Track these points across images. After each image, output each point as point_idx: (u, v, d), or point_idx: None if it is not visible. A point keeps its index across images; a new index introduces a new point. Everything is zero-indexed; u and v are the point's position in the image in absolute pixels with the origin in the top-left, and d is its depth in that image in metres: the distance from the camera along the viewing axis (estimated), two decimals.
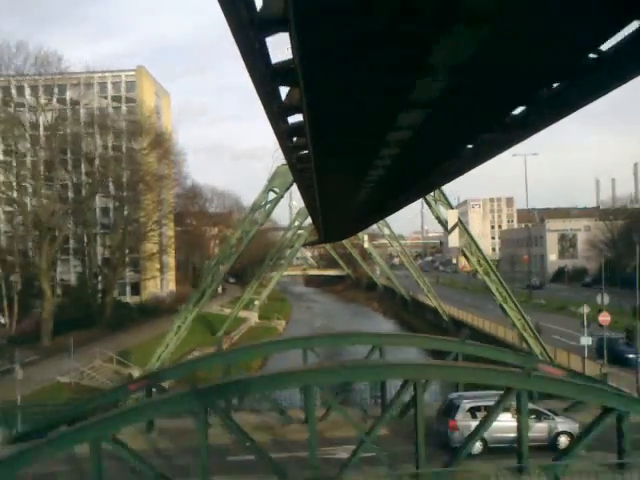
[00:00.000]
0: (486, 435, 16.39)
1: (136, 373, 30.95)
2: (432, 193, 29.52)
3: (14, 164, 48.98)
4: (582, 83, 7.55)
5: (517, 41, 5.94)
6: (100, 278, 56.53)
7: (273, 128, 10.07)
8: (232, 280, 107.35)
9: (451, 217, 27.96)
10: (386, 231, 67.42)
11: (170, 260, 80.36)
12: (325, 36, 5.50)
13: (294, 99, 8.09)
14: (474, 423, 16.19)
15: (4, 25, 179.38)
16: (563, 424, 17.12)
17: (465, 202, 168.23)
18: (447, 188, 33.15)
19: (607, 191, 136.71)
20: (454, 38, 5.47)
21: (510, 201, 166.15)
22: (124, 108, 74.41)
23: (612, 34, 6.08)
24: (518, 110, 9.40)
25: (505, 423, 16.02)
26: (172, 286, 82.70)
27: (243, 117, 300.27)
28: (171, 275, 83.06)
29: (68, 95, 72.12)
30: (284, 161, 24.40)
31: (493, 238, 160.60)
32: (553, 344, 31.34)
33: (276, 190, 33.40)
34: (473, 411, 16.96)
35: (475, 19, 5.13)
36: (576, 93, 7.98)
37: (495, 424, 15.85)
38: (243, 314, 67.47)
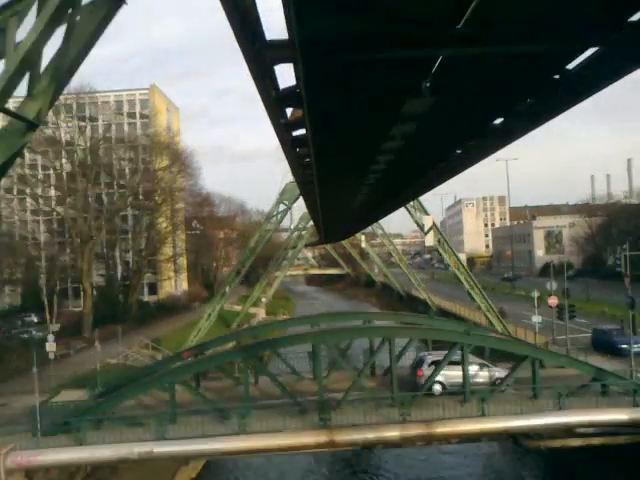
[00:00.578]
0: (444, 380, 23.06)
1: None
2: (412, 202, 34.24)
3: (52, 181, 55.69)
4: (549, 99, 8.71)
5: (492, 65, 6.87)
6: (124, 280, 63.30)
7: (279, 140, 11.09)
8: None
9: (427, 222, 34.66)
10: (379, 232, 73.88)
11: (183, 262, 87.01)
12: (326, 68, 6.29)
13: (298, 115, 9.09)
14: (431, 372, 22.89)
15: None
16: (500, 372, 23.75)
17: (459, 201, 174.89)
18: (443, 189, 38.89)
19: (603, 186, 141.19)
20: (441, 65, 6.47)
21: (502, 199, 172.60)
22: (139, 124, 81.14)
23: (572, 59, 7.07)
24: (498, 121, 10.87)
25: (458, 372, 22.63)
26: (185, 285, 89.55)
27: (243, 119, 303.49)
28: (184, 276, 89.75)
29: (87, 112, 78.85)
30: (292, 178, 29.83)
31: (487, 236, 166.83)
32: (516, 324, 37.90)
33: (286, 203, 41.51)
34: (434, 364, 23.57)
35: (467, 41, 5.99)
36: (544, 107, 9.17)
37: (451, 372, 22.59)
38: (252, 310, 74.15)
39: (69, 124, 69.90)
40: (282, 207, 41.36)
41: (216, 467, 26.12)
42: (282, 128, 9.56)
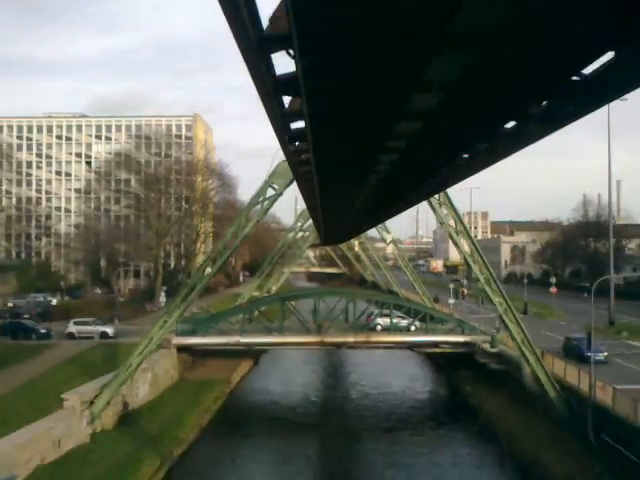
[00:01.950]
0: (382, 322, 44.59)
1: None
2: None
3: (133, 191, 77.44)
4: (565, 103, 8.29)
5: (503, 64, 6.42)
6: (174, 265, 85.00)
7: (277, 136, 10.52)
8: (247, 274, 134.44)
9: (388, 238, 56.14)
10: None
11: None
12: (326, 55, 5.92)
13: (296, 107, 8.56)
14: (379, 319, 44.54)
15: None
16: (409, 320, 45.12)
17: (447, 215, 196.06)
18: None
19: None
20: (445, 59, 5.91)
21: (485, 215, 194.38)
22: (184, 144, 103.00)
23: (591, 61, 6.60)
24: (510, 124, 9.98)
25: (388, 320, 44.13)
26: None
27: (251, 116, 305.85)
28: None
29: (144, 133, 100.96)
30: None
31: None
32: (442, 305, 59.16)
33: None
34: (380, 315, 45.18)
35: (463, 43, 5.54)
36: (560, 112, 8.71)
37: (385, 320, 44.22)
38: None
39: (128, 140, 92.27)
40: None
41: (259, 364, 48.05)
42: (278, 121, 9.09)
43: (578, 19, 5.15)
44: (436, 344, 41.81)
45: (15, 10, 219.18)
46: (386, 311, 45.31)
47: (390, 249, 54.16)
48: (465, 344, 40.44)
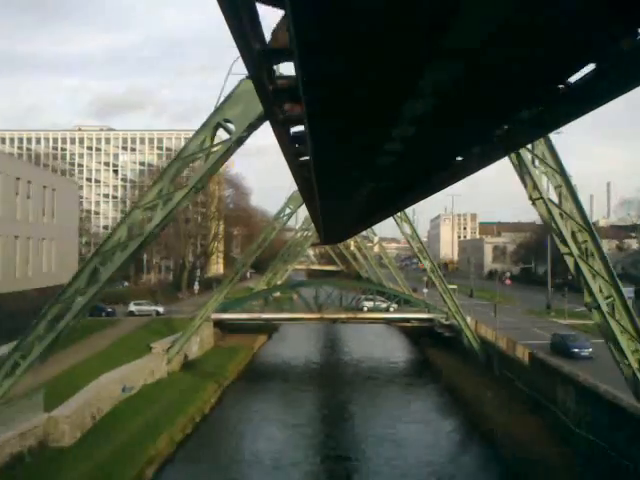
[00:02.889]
0: (367, 305, 58.32)
1: None
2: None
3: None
4: (552, 110, 8.69)
5: (491, 75, 6.74)
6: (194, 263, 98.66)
7: (276, 136, 10.66)
8: (252, 271, 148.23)
9: (375, 239, 69.63)
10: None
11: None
12: (326, 66, 6.14)
13: (296, 112, 8.60)
14: (365, 302, 58.30)
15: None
16: (388, 303, 58.77)
17: (438, 216, 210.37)
18: (434, 200, 73.37)
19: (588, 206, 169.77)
20: (437, 70, 6.26)
21: (474, 216, 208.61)
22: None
23: (575, 72, 6.99)
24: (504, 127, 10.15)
25: (371, 303, 57.90)
26: (222, 269, 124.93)
27: None
28: (221, 261, 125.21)
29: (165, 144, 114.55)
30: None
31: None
32: (418, 294, 72.87)
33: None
34: (366, 299, 58.92)
35: (454, 57, 5.86)
36: (549, 118, 9.11)
37: (369, 303, 57.99)
38: None
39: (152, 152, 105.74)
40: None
41: (272, 338, 61.90)
42: (279, 124, 9.32)
43: (561, 37, 5.58)
44: (407, 320, 55.68)
45: (14, 8, 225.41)
46: (370, 296, 59.15)
47: (377, 249, 67.83)
48: (428, 320, 54.11)
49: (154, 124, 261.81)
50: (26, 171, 47.20)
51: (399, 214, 46.94)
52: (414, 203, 24.45)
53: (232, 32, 5.58)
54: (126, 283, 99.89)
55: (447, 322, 51.29)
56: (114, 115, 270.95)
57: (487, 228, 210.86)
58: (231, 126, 18.29)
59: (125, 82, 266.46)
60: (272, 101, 8.16)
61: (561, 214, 20.57)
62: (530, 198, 21.13)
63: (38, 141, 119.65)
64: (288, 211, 45.31)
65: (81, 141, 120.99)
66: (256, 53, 6.14)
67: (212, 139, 18.93)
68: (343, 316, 54.47)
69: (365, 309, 58.53)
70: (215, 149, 18.91)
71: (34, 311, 40.14)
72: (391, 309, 57.43)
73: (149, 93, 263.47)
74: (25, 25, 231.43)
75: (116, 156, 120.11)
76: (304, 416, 36.17)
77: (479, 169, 13.47)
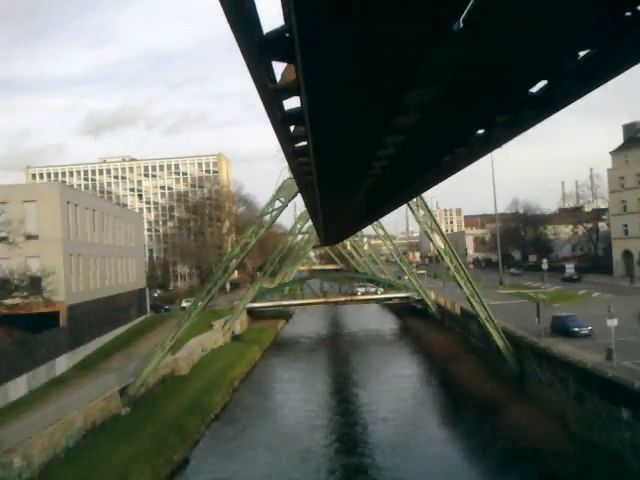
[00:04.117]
0: (360, 290, 76.92)
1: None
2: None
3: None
4: (521, 113, 10.17)
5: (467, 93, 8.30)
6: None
7: (277, 135, 11.38)
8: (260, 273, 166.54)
9: (364, 240, 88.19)
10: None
11: None
12: (327, 93, 7.29)
13: (300, 133, 10.43)
14: (359, 288, 76.95)
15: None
16: (378, 288, 77.32)
17: (423, 216, 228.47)
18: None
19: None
20: (420, 89, 7.61)
21: (459, 210, 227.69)
22: (212, 177, 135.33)
23: (533, 86, 8.56)
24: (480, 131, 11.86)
25: (364, 288, 76.56)
26: (236, 274, 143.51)
27: (241, 122, 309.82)
28: None
29: (181, 169, 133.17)
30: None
31: None
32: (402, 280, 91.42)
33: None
34: (359, 286, 77.54)
35: (432, 79, 7.23)
36: (519, 119, 10.56)
37: (362, 288, 76.68)
38: None
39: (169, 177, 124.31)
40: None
41: (289, 322, 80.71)
42: (280, 123, 10.01)
43: (519, 64, 7.25)
44: (391, 299, 74.40)
45: (3, 26, 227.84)
46: (362, 284, 77.98)
47: (366, 247, 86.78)
48: (406, 298, 72.63)
49: (146, 137, 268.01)
50: (110, 208, 65.84)
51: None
52: (411, 199, 34.35)
53: (254, 80, 7.49)
54: (158, 290, 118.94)
55: (419, 297, 69.90)
56: (108, 130, 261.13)
57: (471, 220, 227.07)
58: (282, 199, 37.87)
59: (116, 97, 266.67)
60: (281, 125, 10.18)
61: (432, 230, 42.34)
62: (418, 222, 42.45)
63: (71, 174, 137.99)
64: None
65: (108, 172, 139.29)
66: (271, 90, 7.93)
67: (273, 205, 38.45)
68: (342, 299, 73.02)
69: (359, 293, 77.17)
70: (275, 210, 38.66)
71: (129, 305, 59.17)
72: (379, 292, 76.08)
73: (139, 109, 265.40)
74: (10, 44, 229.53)
75: (139, 182, 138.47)
76: (319, 362, 55.01)
77: (464, 167, 15.88)
